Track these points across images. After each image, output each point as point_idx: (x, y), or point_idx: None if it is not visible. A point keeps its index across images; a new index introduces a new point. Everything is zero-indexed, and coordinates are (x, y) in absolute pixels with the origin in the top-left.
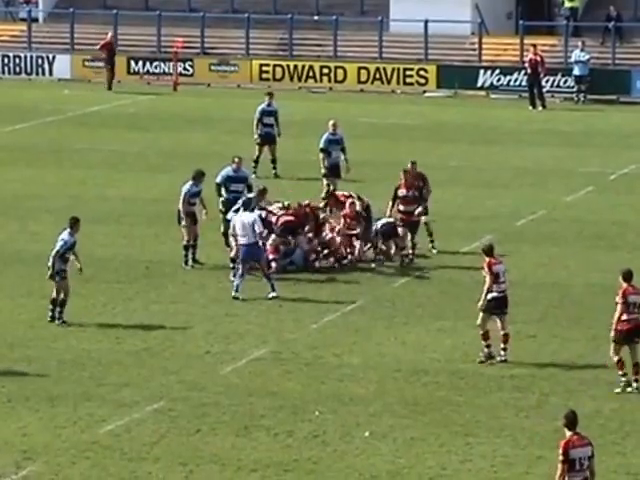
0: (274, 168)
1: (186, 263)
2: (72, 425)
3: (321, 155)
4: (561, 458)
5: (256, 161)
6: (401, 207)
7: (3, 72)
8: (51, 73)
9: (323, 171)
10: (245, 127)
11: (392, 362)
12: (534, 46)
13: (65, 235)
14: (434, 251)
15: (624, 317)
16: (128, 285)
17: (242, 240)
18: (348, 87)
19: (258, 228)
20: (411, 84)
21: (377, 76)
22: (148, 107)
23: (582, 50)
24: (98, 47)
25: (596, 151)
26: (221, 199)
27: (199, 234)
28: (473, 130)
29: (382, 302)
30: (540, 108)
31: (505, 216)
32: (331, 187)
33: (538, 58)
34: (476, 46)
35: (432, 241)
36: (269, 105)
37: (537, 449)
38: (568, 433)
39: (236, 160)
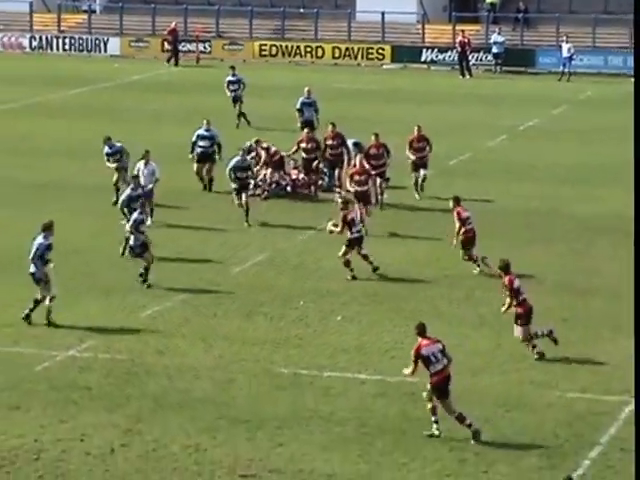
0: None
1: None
2: (121, 310)
3: (297, 114)
4: (412, 359)
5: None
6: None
7: (70, 50)
8: (105, 51)
9: (299, 125)
10: (248, 91)
11: (357, 266)
12: (463, 31)
13: (40, 239)
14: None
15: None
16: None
17: None
18: (325, 61)
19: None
20: (372, 59)
21: (347, 53)
22: (178, 76)
23: (499, 34)
24: (166, 32)
25: (509, 109)
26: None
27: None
28: (418, 94)
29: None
30: (467, 77)
31: (441, 157)
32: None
33: (466, 40)
34: (420, 31)
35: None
36: (233, 75)
37: (466, 329)
38: (419, 339)
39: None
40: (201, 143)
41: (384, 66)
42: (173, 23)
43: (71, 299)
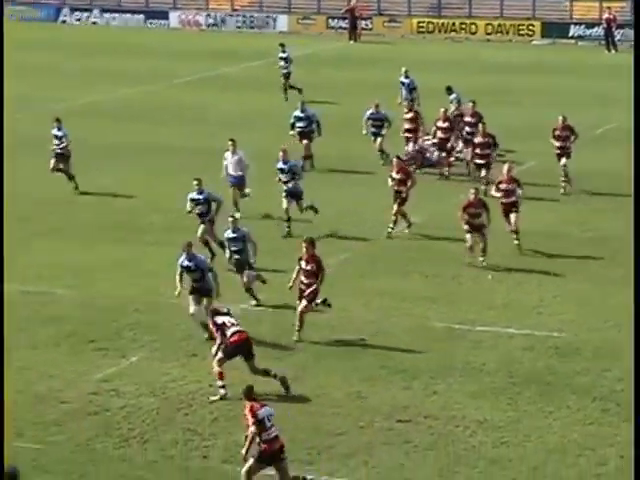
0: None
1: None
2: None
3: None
4: (252, 421)
5: None
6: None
7: (242, 27)
8: (274, 28)
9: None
10: (408, 66)
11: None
12: (609, 8)
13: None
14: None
15: None
16: None
17: None
18: (479, 37)
19: None
20: (522, 35)
21: (499, 29)
22: (342, 51)
23: None
24: (342, 11)
25: None
26: None
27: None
28: (566, 67)
29: None
30: (613, 52)
31: (588, 127)
32: None
33: (612, 16)
34: (568, 8)
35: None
36: (284, 52)
37: (611, 288)
38: (248, 403)
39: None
40: (299, 124)
41: (534, 42)
42: (353, 1)
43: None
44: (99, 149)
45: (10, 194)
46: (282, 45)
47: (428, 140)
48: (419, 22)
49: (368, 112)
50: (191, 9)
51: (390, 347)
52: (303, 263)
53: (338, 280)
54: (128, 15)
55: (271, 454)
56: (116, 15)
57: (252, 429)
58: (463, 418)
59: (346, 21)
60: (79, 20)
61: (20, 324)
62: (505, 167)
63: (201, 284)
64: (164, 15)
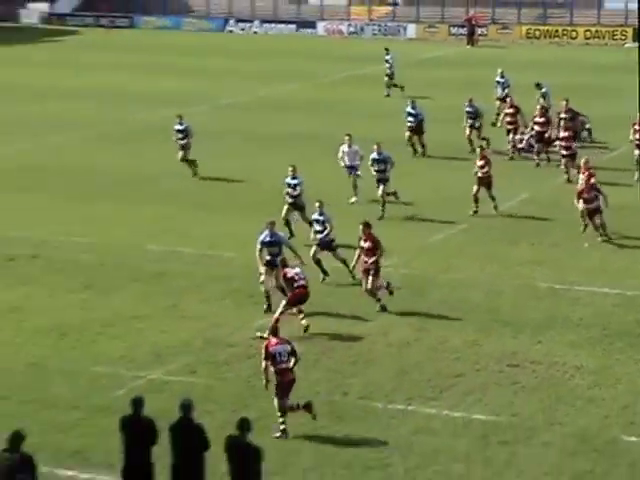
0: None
1: None
2: (416, 236)
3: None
4: (263, 355)
5: None
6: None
7: (379, 34)
8: (405, 35)
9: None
10: (518, 67)
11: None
12: None
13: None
14: None
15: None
16: None
17: None
18: (578, 42)
19: None
20: (616, 39)
21: (596, 35)
22: (461, 55)
23: None
24: (463, 19)
25: None
26: None
27: None
28: None
29: None
30: None
31: None
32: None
33: None
34: None
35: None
36: (387, 54)
37: None
38: (272, 338)
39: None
40: (409, 119)
41: (626, 45)
42: (471, 12)
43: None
44: (265, 137)
45: (185, 177)
46: (387, 49)
47: (526, 132)
48: (527, 29)
49: (466, 105)
50: (335, 20)
51: (501, 303)
52: (362, 242)
53: (455, 248)
54: (282, 25)
55: (282, 384)
56: (273, 25)
57: (263, 362)
58: (563, 364)
59: (465, 29)
60: (243, 30)
61: (196, 281)
62: (582, 177)
63: (275, 258)
64: (312, 25)
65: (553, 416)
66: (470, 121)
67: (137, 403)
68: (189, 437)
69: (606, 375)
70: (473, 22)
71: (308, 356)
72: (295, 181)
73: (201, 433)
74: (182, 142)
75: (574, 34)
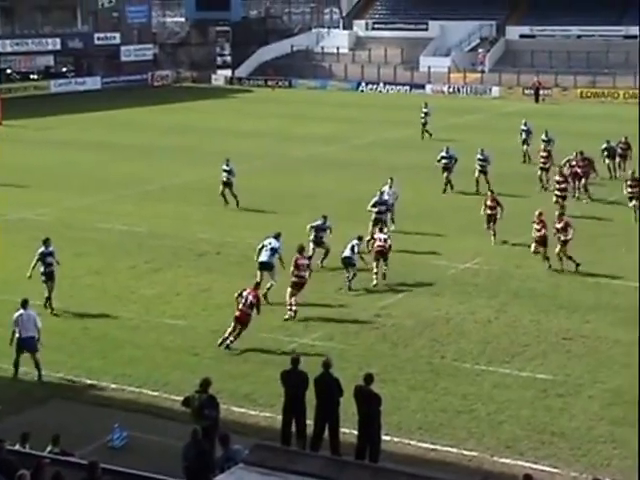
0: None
1: None
2: (486, 242)
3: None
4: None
5: None
6: None
7: (471, 94)
8: (490, 94)
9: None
10: (570, 118)
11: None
12: None
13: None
14: None
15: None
16: None
17: None
18: (620, 100)
19: None
20: None
21: (634, 95)
22: (528, 109)
23: None
24: (531, 84)
25: None
26: None
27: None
28: None
29: None
30: None
31: None
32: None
33: None
34: None
35: None
36: (426, 107)
37: None
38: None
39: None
40: (444, 160)
41: None
42: (535, 78)
43: (457, 237)
44: (385, 167)
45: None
46: (425, 103)
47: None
48: (581, 91)
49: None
50: (439, 83)
51: (559, 292)
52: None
53: (524, 251)
54: (400, 86)
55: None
56: (393, 86)
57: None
58: (605, 338)
59: (532, 90)
60: (371, 89)
61: (331, 274)
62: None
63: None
64: (422, 86)
65: (596, 376)
66: (480, 167)
67: (295, 361)
68: (329, 387)
69: (636, 347)
70: (537, 86)
71: (415, 329)
72: (382, 197)
73: (337, 383)
74: (225, 179)
75: (616, 95)
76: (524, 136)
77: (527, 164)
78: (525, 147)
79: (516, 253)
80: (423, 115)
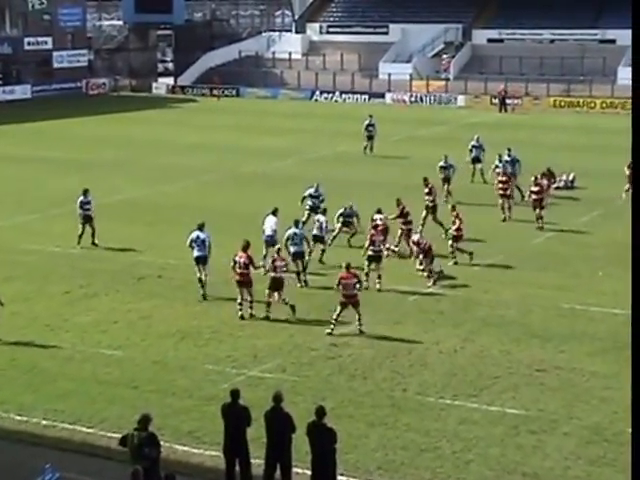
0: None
1: None
2: (459, 264)
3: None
4: (337, 283)
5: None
6: None
7: (433, 103)
8: (455, 104)
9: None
10: (542, 129)
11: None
12: None
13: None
14: None
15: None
16: None
17: None
18: (596, 110)
19: None
20: (627, 109)
21: (611, 105)
22: (496, 120)
23: None
24: (497, 92)
25: None
26: None
27: None
28: None
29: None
30: None
31: None
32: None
33: None
34: None
35: None
36: (370, 118)
37: None
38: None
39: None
40: (444, 171)
41: None
42: (501, 86)
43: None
44: (341, 183)
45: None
46: (370, 116)
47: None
48: (554, 100)
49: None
50: (400, 91)
51: (531, 319)
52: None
53: (493, 275)
54: (358, 95)
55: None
56: (350, 95)
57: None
58: (581, 369)
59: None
60: (326, 99)
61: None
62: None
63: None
64: (382, 95)
65: (572, 411)
66: (443, 176)
67: (234, 394)
68: (280, 422)
69: (616, 379)
70: (503, 95)
71: (375, 359)
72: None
73: (289, 419)
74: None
75: (592, 104)
76: (474, 153)
77: (486, 184)
78: (478, 165)
79: (483, 276)
80: (369, 127)
